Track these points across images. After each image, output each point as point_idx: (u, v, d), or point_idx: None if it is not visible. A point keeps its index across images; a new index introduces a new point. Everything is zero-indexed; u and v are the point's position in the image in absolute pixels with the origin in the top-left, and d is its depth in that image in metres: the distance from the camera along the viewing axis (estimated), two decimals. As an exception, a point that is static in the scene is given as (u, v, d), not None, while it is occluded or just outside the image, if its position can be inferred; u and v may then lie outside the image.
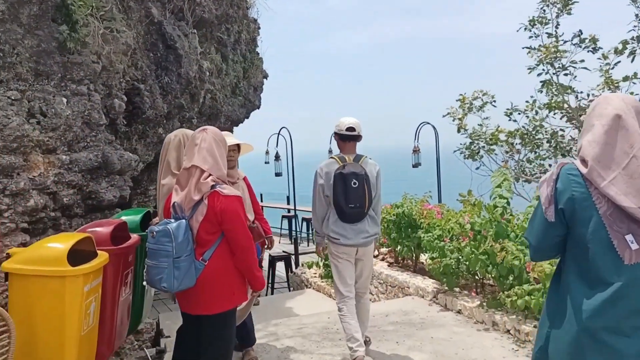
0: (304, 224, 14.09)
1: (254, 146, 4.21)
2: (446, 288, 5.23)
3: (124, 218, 3.39)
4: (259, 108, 9.46)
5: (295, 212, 14.29)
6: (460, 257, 4.94)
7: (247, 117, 9.27)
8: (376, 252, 7.07)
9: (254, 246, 2.82)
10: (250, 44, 9.26)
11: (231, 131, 9.76)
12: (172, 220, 2.77)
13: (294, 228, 14.41)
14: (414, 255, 6.22)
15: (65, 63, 3.66)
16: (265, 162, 15.60)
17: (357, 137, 3.92)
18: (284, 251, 9.15)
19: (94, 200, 3.99)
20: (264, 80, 9.59)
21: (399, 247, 6.17)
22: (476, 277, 5.13)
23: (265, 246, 4.30)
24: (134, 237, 3.22)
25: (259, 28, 9.57)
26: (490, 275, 4.78)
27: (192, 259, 2.71)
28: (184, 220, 2.73)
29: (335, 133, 3.98)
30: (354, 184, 3.74)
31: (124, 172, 4.16)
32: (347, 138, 3.89)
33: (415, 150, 12.17)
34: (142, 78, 5.06)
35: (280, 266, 8.91)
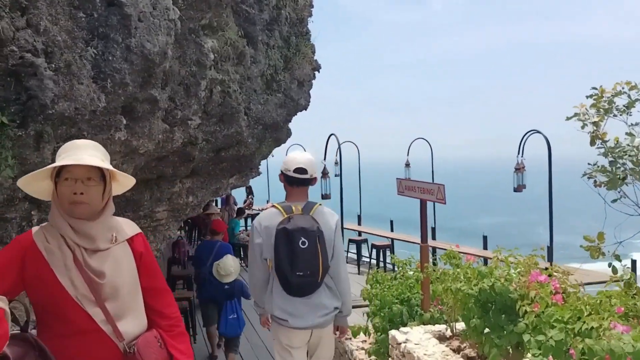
0: (373, 251, 11.74)
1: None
2: None
3: None
4: (305, 109, 7.25)
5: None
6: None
7: (289, 121, 7.10)
8: (449, 332, 4.55)
9: None
10: (296, 25, 7.09)
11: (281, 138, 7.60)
12: None
13: (364, 254, 12.66)
14: (511, 355, 3.66)
15: None
16: (335, 175, 14.37)
17: (310, 181, 3.21)
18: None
19: None
20: (315, 73, 7.38)
21: (484, 340, 3.64)
22: None
23: None
24: None
25: (310, 6, 7.41)
26: None
27: None
28: None
29: (281, 173, 3.25)
30: (303, 243, 2.99)
31: None
32: (295, 182, 3.18)
33: (519, 169, 9.17)
34: (45, 49, 3.05)
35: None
